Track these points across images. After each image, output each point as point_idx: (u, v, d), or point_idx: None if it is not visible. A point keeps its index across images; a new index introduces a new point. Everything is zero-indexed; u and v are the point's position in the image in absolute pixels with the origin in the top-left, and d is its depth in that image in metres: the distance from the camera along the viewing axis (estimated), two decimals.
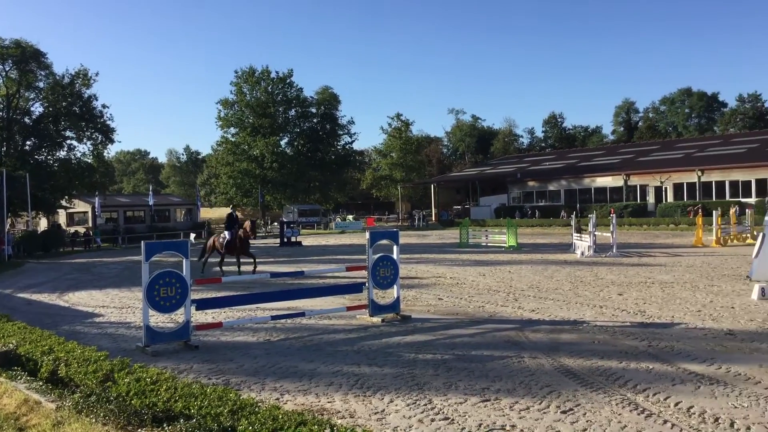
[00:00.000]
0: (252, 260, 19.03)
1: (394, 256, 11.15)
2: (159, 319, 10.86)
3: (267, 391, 6.61)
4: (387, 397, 6.29)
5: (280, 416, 4.69)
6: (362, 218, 67.32)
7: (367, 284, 10.82)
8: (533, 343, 8.59)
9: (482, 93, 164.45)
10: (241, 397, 5.23)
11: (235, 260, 19.40)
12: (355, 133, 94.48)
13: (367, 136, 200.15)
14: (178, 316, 10.02)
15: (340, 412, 5.89)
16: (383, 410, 5.91)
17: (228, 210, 21.52)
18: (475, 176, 75.75)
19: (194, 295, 9.34)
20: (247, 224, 19.39)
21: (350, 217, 70.21)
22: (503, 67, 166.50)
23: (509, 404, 5.97)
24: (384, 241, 11.41)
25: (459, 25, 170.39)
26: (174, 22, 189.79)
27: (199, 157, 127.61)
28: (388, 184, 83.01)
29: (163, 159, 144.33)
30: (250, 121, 72.28)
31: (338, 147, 79.27)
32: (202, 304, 9.86)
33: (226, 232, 19.38)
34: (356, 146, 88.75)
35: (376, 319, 10.62)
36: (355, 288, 11.37)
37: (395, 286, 10.99)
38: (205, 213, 78.92)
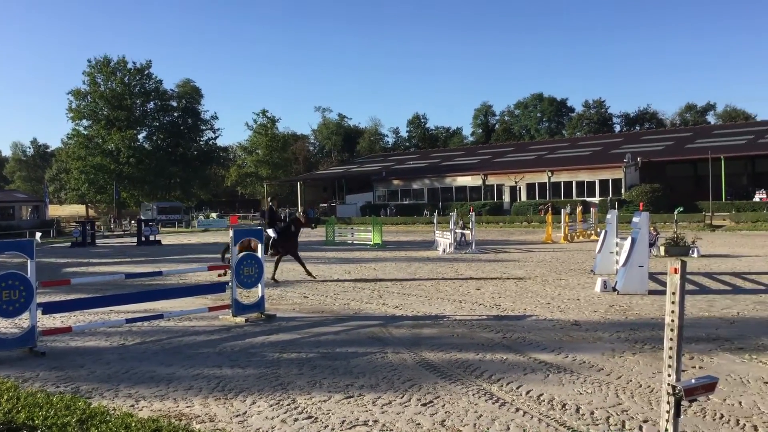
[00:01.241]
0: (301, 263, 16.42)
1: (259, 254, 10.98)
2: (2, 325, 10.03)
3: (121, 398, 6.28)
4: (249, 399, 6.17)
5: (133, 423, 4.48)
6: (226, 216, 65.72)
7: (230, 283, 10.57)
8: (396, 339, 8.76)
9: (348, 92, 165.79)
10: (91, 406, 4.94)
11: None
12: (219, 129, 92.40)
13: (232, 132, 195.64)
14: (23, 320, 9.30)
15: (199, 416, 5.70)
16: (245, 412, 5.80)
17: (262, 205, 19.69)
18: (341, 174, 76.21)
19: (42, 298, 8.71)
20: (301, 215, 17.30)
21: (214, 215, 68.33)
22: (369, 67, 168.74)
23: (372, 399, 6.05)
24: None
25: (325, 22, 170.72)
26: (16, 5, 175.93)
27: (48, 150, 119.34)
28: (254, 181, 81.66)
29: (7, 152, 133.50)
30: (105, 113, 68.56)
31: (201, 142, 77.00)
32: (50, 308, 9.22)
33: (269, 230, 16.43)
34: (220, 142, 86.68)
35: (240, 319, 10.40)
36: (218, 287, 11.07)
37: (260, 285, 10.82)
38: (54, 210, 73.90)
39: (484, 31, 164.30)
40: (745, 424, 5.18)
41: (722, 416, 5.39)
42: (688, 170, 55.51)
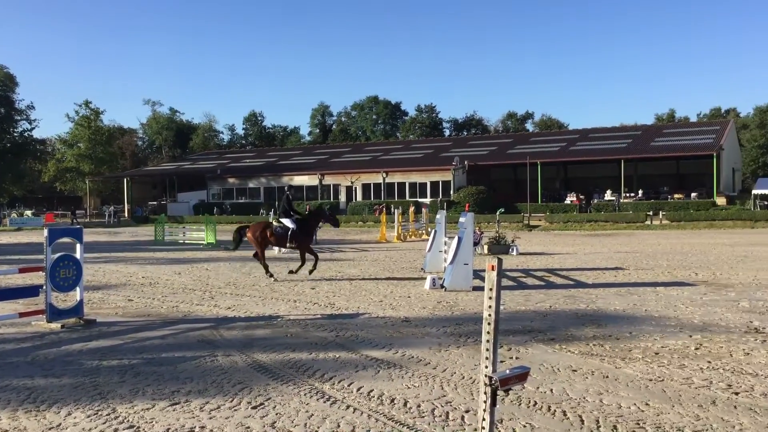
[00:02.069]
0: (307, 258, 15.63)
1: (77, 255, 10.23)
2: None
3: None
4: (64, 410, 5.72)
5: None
6: (43, 214, 60.63)
7: (44, 287, 9.75)
8: (228, 341, 8.54)
9: (181, 85, 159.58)
10: None
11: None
12: (35, 120, 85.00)
13: (50, 124, 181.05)
14: None
15: (7, 430, 5.20)
16: (59, 424, 5.37)
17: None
18: (173, 171, 73.17)
19: None
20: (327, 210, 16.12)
21: (29, 212, 62.77)
22: (203, 61, 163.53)
23: (200, 405, 5.84)
24: (66, 240, 10.40)
25: (154, 14, 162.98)
26: None
27: None
28: (75, 177, 76.02)
29: None
30: None
31: (15, 134, 70.52)
32: None
33: (286, 220, 15.45)
34: (37, 134, 79.86)
35: (56, 325, 9.62)
36: (31, 291, 10.19)
37: (78, 288, 10.08)
38: None
39: (323, 30, 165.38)
40: (555, 410, 5.60)
41: (536, 403, 5.79)
42: (509, 174, 59.41)
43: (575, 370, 6.88)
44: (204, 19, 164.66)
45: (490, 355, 3.12)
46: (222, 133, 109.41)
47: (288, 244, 15.54)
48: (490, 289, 3.13)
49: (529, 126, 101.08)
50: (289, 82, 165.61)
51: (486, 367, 3.12)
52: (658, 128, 67.22)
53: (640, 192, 52.24)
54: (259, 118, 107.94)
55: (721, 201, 47.74)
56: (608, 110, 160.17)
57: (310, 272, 15.54)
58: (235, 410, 5.70)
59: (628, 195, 51.65)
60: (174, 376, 6.85)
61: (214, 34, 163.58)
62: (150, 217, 56.86)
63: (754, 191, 49.53)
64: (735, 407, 5.59)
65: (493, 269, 3.12)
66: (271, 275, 15.17)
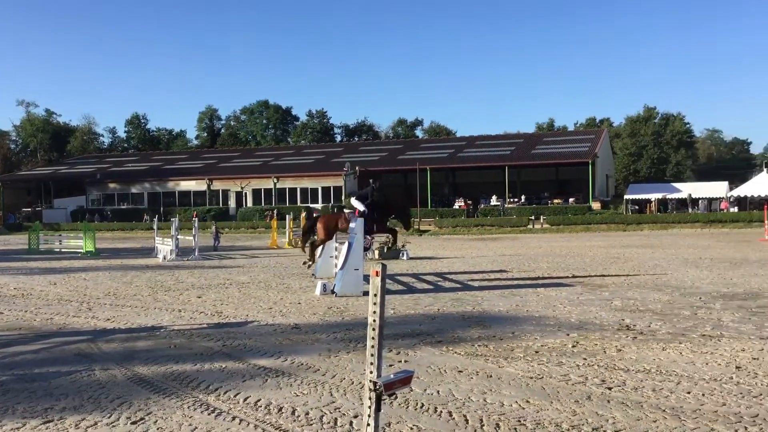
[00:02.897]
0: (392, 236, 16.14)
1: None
2: None
3: None
4: None
5: None
6: None
7: None
8: (106, 354, 8.12)
9: (57, 86, 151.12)
10: None
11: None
12: None
13: None
14: None
15: None
16: None
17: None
18: (49, 176, 69.18)
19: None
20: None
21: None
22: (81, 60, 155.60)
23: (75, 422, 5.51)
24: None
25: (28, 11, 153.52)
26: None
27: None
28: None
29: None
30: None
31: None
32: None
33: (356, 203, 14.90)
34: None
35: None
36: None
37: None
38: None
39: (210, 31, 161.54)
40: (441, 411, 5.70)
41: (423, 405, 5.87)
42: (399, 179, 60.33)
43: (461, 371, 7.04)
44: (82, 18, 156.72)
45: (375, 360, 3.13)
46: (102, 136, 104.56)
47: (370, 238, 15.23)
48: (375, 295, 3.14)
49: (419, 133, 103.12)
50: (175, 85, 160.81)
51: (371, 372, 3.13)
52: (539, 136, 70.47)
53: (523, 197, 54.49)
54: (143, 121, 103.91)
55: (596, 206, 50.57)
56: (493, 119, 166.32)
57: (391, 248, 16.27)
58: (114, 426, 5.42)
59: (512, 200, 53.75)
60: (47, 392, 6.43)
61: (94, 32, 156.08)
62: (24, 225, 53.39)
63: (626, 196, 52.87)
64: (608, 402, 5.90)
65: (377, 275, 3.13)
66: (310, 265, 15.65)
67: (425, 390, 6.35)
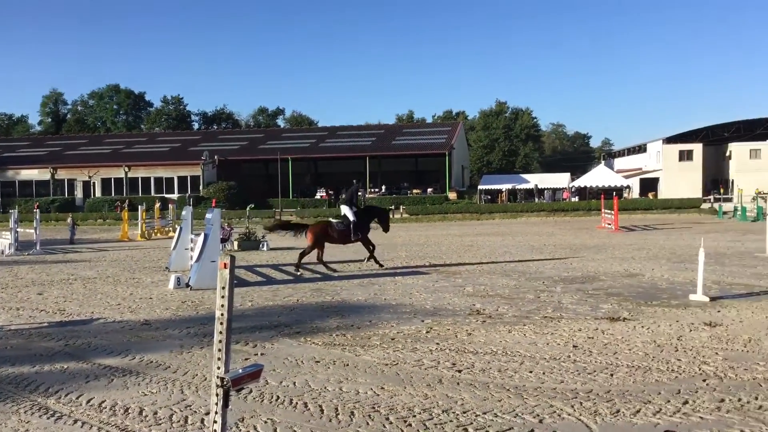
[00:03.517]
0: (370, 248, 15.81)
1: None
2: None
3: None
4: None
5: None
6: None
7: None
8: None
9: None
10: None
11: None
12: None
13: None
14: None
15: None
16: None
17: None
18: None
19: None
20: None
21: None
22: None
23: None
24: None
25: None
26: None
27: None
28: None
29: None
30: None
31: None
32: None
33: (346, 209, 15.38)
34: None
35: None
36: None
37: None
38: None
39: (50, 10, 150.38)
40: (297, 403, 5.68)
41: (278, 398, 5.82)
42: (261, 169, 59.41)
43: (318, 361, 7.05)
44: None
45: (223, 355, 3.05)
46: None
47: (353, 237, 15.53)
48: (222, 288, 3.05)
49: (281, 122, 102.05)
50: (15, 66, 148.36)
51: (218, 368, 3.04)
52: (399, 128, 71.97)
53: (384, 187, 55.47)
54: None
55: (452, 196, 52.49)
56: (355, 109, 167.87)
57: (368, 260, 15.82)
58: None
59: (373, 190, 54.55)
60: None
61: None
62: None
63: (480, 187, 55.27)
64: (458, 384, 6.14)
65: (225, 267, 3.04)
66: (333, 269, 15.15)
67: (281, 382, 6.30)
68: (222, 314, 3.06)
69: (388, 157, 57.06)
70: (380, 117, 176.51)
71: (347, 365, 6.87)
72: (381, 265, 15.73)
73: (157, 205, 36.52)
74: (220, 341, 3.06)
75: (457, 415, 5.30)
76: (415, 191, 54.88)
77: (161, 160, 55.87)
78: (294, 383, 6.27)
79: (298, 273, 14.81)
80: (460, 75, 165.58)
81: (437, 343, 7.77)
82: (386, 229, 16.85)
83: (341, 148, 59.24)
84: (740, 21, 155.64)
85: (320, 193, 54.24)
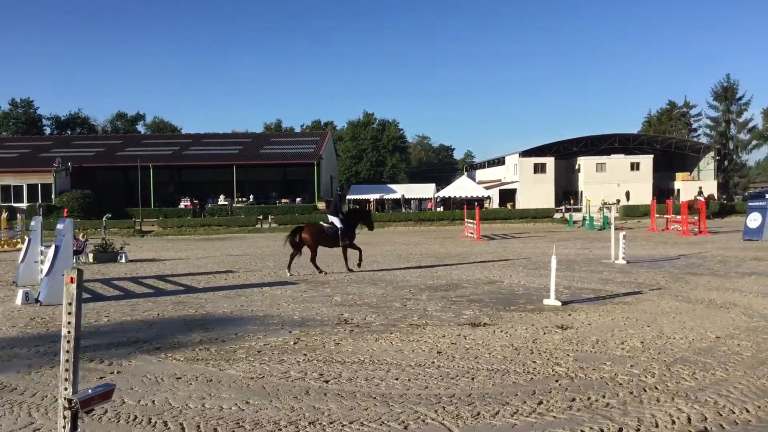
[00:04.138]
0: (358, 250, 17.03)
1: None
2: None
3: None
4: None
5: None
6: None
7: None
8: None
9: None
10: None
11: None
12: None
13: None
14: None
15: None
16: None
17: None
18: None
19: None
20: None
21: None
22: None
23: None
24: None
25: None
26: None
27: None
28: None
29: None
30: None
31: None
32: None
33: (334, 219, 16.61)
34: None
35: None
36: None
37: None
38: None
39: None
40: (156, 422, 5.43)
41: (136, 417, 5.54)
42: (119, 177, 56.64)
43: (179, 378, 6.78)
44: None
45: (70, 375, 2.85)
46: None
47: (340, 243, 16.51)
48: (69, 304, 2.86)
49: (141, 128, 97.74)
50: None
51: (65, 389, 2.84)
52: (267, 136, 71.21)
53: (252, 197, 54.54)
54: None
55: (321, 205, 52.48)
56: (221, 117, 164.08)
57: (359, 265, 16.81)
58: None
59: (240, 199, 53.49)
60: None
61: None
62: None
63: (348, 196, 55.69)
64: (325, 394, 6.12)
65: (72, 282, 2.85)
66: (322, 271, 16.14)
67: (139, 401, 6.00)
68: (69, 332, 2.87)
69: (256, 166, 56.21)
70: (247, 125, 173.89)
71: (210, 381, 6.66)
72: (358, 266, 16.92)
73: (4, 215, 33.74)
74: (67, 360, 2.87)
75: (324, 426, 5.28)
76: (283, 201, 54.40)
77: (9, 167, 51.83)
78: (153, 401, 5.99)
79: (323, 273, 16.09)
80: (329, 85, 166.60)
81: (305, 354, 7.72)
82: (371, 227, 18.14)
83: (206, 156, 57.64)
84: (586, 43, 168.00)
85: (184, 203, 52.44)
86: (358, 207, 20.67)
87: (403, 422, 5.33)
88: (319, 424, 5.32)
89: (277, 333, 9.03)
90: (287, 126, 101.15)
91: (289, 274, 15.98)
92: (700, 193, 44.43)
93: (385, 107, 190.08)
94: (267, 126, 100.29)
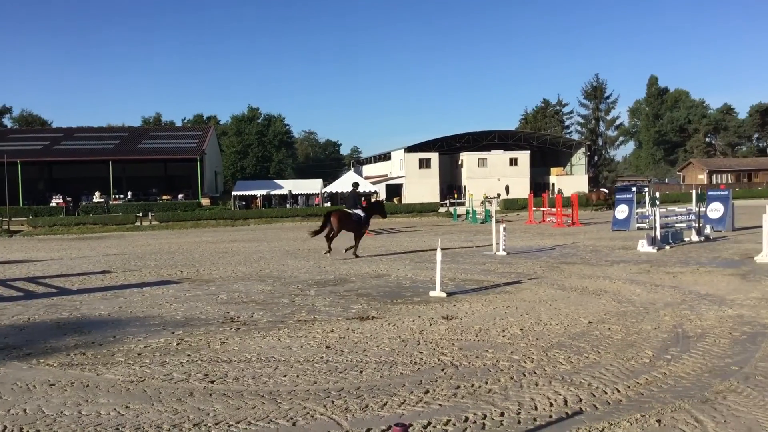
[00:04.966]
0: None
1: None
2: None
3: None
4: None
5: None
6: None
7: None
8: None
9: None
10: None
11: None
12: None
13: None
14: None
15: None
16: None
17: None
18: None
19: None
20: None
21: None
22: None
23: None
24: None
25: None
26: None
27: None
28: None
29: None
30: None
31: None
32: None
33: (358, 210, 18.95)
34: None
35: None
36: None
37: None
38: None
39: None
40: (28, 431, 5.10)
41: (6, 427, 5.18)
42: None
43: (53, 384, 6.40)
44: None
45: None
46: None
47: (363, 231, 19.24)
48: None
49: (7, 122, 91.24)
50: None
51: None
52: (146, 131, 68.44)
53: (130, 193, 52.31)
54: None
55: (205, 202, 51.18)
56: (95, 110, 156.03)
57: (349, 249, 18.67)
58: None
59: (117, 196, 51.14)
60: None
61: None
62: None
63: (234, 192, 54.61)
64: (211, 395, 5.97)
65: None
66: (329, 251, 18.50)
67: (9, 410, 5.62)
68: None
69: (134, 162, 53.95)
70: (124, 119, 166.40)
71: (87, 386, 6.32)
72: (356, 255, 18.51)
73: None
74: None
75: (209, 427, 5.15)
76: (165, 197, 52.49)
77: None
78: (25, 410, 5.62)
79: (327, 253, 18.47)
80: (212, 79, 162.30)
81: (188, 355, 7.49)
82: (384, 216, 21.36)
83: (80, 151, 54.65)
84: (469, 42, 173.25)
85: (56, 201, 49.48)
86: (372, 202, 23.66)
87: (292, 419, 5.29)
88: (204, 425, 5.19)
89: (158, 334, 8.70)
90: (167, 120, 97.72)
91: (329, 253, 18.42)
92: (602, 186, 46.86)
93: (270, 102, 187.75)
94: (145, 120, 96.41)
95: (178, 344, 8.07)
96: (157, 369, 6.91)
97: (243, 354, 7.47)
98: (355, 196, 19.45)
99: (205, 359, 7.28)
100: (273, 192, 55.80)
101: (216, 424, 5.21)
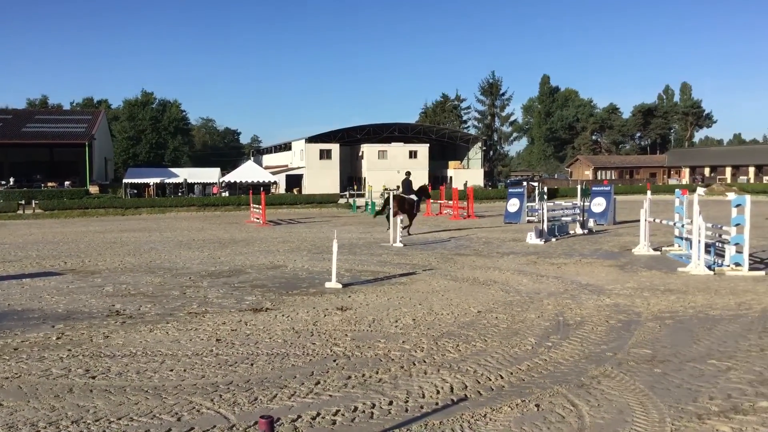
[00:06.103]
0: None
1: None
2: None
3: None
4: None
5: None
6: None
7: None
8: None
9: None
10: None
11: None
12: None
13: None
14: None
15: None
16: None
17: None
18: None
19: None
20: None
21: None
22: None
23: None
24: None
25: None
26: None
27: None
28: None
29: None
30: None
31: None
32: None
33: (412, 196, 22.20)
34: None
35: None
36: None
37: None
38: None
39: None
40: None
41: None
42: None
43: None
44: None
45: None
46: None
47: (415, 212, 22.40)
48: None
49: None
50: None
51: None
52: (31, 113, 64.53)
53: (12, 180, 49.22)
54: None
55: (94, 189, 48.87)
56: None
57: (406, 228, 21.20)
58: None
59: None
60: None
61: None
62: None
63: (125, 180, 52.47)
64: (91, 391, 5.73)
65: None
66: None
67: None
68: None
69: (17, 146, 50.77)
70: (7, 100, 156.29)
71: None
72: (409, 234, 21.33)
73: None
74: None
75: (89, 424, 4.95)
76: (50, 184, 49.69)
77: None
78: None
79: (409, 234, 21.26)
80: (103, 61, 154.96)
81: (69, 350, 7.15)
82: (429, 198, 26.32)
83: None
84: (370, 36, 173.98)
85: None
86: (423, 184, 26.95)
87: (176, 414, 5.16)
88: (83, 422, 4.98)
89: (37, 328, 8.26)
90: (54, 103, 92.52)
91: (391, 231, 19.31)
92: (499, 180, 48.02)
93: (166, 88, 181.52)
94: (31, 102, 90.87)
95: (58, 338, 7.69)
96: (34, 364, 6.57)
97: (128, 348, 7.21)
98: (409, 183, 22.68)
99: (87, 354, 6.98)
100: (167, 180, 53.98)
101: (96, 420, 5.02)
